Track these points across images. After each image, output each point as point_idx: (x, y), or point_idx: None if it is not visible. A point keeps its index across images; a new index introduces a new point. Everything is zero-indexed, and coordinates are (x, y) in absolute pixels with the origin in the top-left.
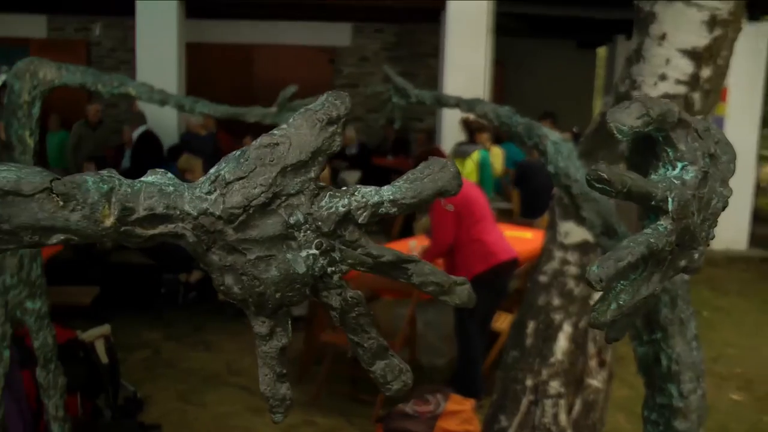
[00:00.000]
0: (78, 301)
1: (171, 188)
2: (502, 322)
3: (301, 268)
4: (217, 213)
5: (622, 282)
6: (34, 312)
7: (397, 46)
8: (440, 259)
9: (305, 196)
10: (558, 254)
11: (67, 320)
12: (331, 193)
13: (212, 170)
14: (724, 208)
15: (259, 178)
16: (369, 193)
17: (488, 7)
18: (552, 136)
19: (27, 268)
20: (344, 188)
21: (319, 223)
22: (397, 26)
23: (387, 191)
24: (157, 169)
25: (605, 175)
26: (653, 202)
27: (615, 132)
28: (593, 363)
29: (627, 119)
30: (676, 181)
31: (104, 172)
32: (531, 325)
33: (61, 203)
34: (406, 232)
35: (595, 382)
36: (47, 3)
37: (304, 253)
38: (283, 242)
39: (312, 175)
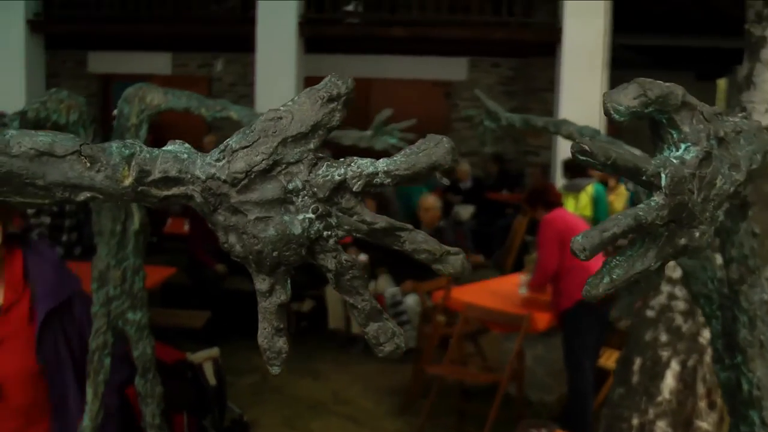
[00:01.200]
0: (190, 324)
1: (185, 155)
2: (608, 358)
3: (297, 230)
4: (223, 177)
5: (617, 257)
6: (135, 323)
7: (513, 81)
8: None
9: (304, 165)
10: (665, 288)
11: (178, 342)
12: (329, 163)
13: (224, 142)
14: (735, 192)
15: (261, 147)
16: (365, 164)
17: (604, 40)
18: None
19: (130, 280)
20: (342, 159)
21: (315, 189)
22: (513, 60)
23: (382, 163)
24: (176, 140)
25: (587, 147)
26: (644, 177)
27: (612, 112)
28: (703, 404)
29: (623, 99)
30: (674, 160)
31: (129, 140)
32: (637, 362)
33: (88, 164)
34: (518, 266)
35: (705, 424)
36: (173, 42)
37: (300, 216)
38: (281, 205)
39: (311, 146)
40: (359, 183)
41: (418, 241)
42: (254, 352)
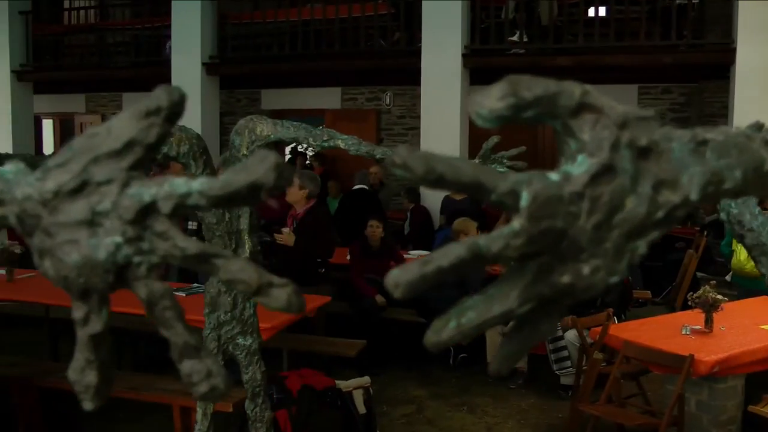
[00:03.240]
0: (344, 352)
1: (11, 176)
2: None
3: (102, 255)
4: (36, 197)
5: (476, 296)
6: (245, 348)
7: (685, 107)
8: None
9: (115, 185)
10: None
11: (334, 370)
12: (142, 183)
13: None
14: (668, 217)
15: (72, 165)
16: (178, 184)
17: None
18: None
19: (240, 306)
20: (160, 178)
21: (122, 211)
22: (685, 86)
23: (197, 183)
24: (15, 159)
25: (398, 159)
26: (494, 197)
27: (474, 117)
28: None
29: (487, 101)
30: (551, 176)
31: None
32: None
33: None
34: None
35: None
36: (341, 76)
37: (108, 240)
38: (89, 228)
39: (124, 164)
40: (169, 204)
41: (232, 271)
42: (410, 383)
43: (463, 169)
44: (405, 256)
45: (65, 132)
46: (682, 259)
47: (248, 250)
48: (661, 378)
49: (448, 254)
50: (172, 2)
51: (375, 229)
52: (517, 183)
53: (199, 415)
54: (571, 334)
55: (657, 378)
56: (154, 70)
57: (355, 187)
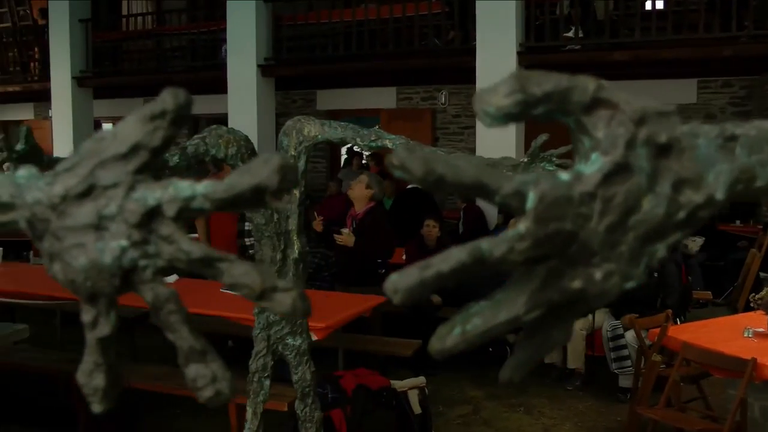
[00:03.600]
0: (400, 352)
1: (23, 180)
2: None
3: (107, 259)
4: (45, 201)
5: (483, 302)
6: (295, 348)
7: (746, 100)
8: None
9: (121, 188)
10: None
11: (389, 370)
12: (147, 186)
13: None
14: (690, 218)
15: (79, 169)
16: (183, 187)
17: None
18: None
19: None
20: (164, 181)
21: (127, 214)
22: (746, 78)
23: (201, 186)
24: (28, 164)
25: (396, 160)
26: (498, 198)
27: (481, 116)
28: None
29: (494, 98)
30: (563, 176)
31: None
32: None
33: None
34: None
35: None
36: (396, 76)
37: (113, 244)
38: (96, 232)
39: (130, 168)
40: (174, 208)
41: (236, 275)
42: (467, 384)
43: (465, 169)
44: None
45: None
46: (744, 259)
47: (297, 251)
48: (722, 382)
49: (449, 259)
50: (228, 6)
51: (431, 229)
52: (524, 183)
53: (249, 415)
54: (630, 335)
55: (718, 382)
56: (211, 73)
57: (410, 186)
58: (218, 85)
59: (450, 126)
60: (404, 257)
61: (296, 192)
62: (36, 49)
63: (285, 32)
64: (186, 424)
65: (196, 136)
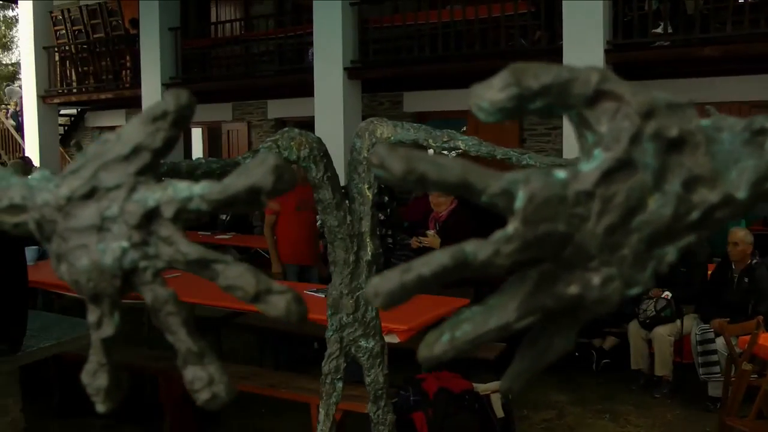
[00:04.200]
0: (482, 355)
1: (35, 182)
2: None
3: (108, 260)
4: (53, 203)
5: (474, 308)
6: (367, 350)
7: None
8: None
9: (123, 190)
10: None
11: (472, 373)
12: (148, 187)
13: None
14: (704, 219)
15: (83, 171)
16: (181, 188)
17: None
18: None
19: (362, 309)
20: (164, 182)
21: (127, 215)
22: None
23: (199, 186)
24: (42, 168)
25: (375, 159)
26: (484, 198)
27: (475, 111)
28: None
29: (488, 93)
30: (559, 174)
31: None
32: None
33: None
34: None
35: None
36: (482, 77)
37: (114, 245)
38: (98, 233)
39: (131, 169)
40: (172, 209)
41: (231, 277)
42: (551, 388)
43: (449, 168)
44: None
45: (213, 140)
46: None
47: (370, 253)
48: None
49: (430, 262)
50: (314, 10)
51: None
52: (512, 182)
53: (321, 416)
54: (720, 341)
55: None
56: (298, 76)
57: None
58: (305, 89)
59: (537, 127)
60: None
61: (369, 193)
62: (127, 58)
63: (371, 35)
64: (269, 423)
65: (268, 139)
